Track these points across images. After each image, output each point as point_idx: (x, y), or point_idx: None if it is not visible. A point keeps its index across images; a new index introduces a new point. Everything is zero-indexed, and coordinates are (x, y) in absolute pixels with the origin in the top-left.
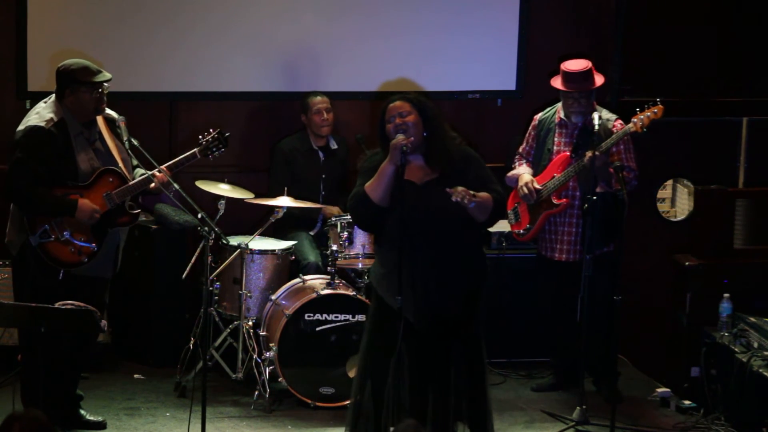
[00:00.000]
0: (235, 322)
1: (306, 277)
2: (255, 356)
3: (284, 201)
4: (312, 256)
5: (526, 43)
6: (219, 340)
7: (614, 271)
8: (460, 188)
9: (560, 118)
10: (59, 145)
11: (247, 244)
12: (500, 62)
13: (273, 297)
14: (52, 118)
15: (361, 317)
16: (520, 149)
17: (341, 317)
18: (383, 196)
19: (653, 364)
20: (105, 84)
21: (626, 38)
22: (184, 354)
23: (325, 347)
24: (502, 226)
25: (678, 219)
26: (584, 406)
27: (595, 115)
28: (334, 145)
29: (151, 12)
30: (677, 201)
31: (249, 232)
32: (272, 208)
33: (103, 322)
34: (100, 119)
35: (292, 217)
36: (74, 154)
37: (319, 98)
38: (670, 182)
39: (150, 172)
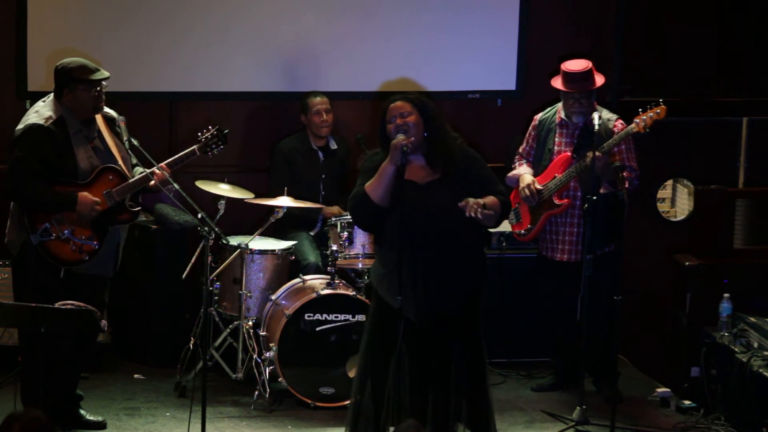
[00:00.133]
0: (235, 322)
1: (306, 277)
2: (255, 356)
3: (284, 201)
4: (312, 256)
5: (526, 43)
6: (219, 340)
7: (614, 271)
8: (471, 201)
9: (561, 118)
10: (59, 143)
11: (247, 244)
12: (500, 62)
13: (273, 297)
14: (51, 117)
15: (361, 317)
16: (521, 149)
17: (341, 317)
18: (383, 196)
19: (653, 364)
20: (103, 82)
21: (626, 38)
22: (184, 354)
23: (325, 347)
24: (503, 226)
25: (678, 219)
26: (584, 406)
27: (595, 115)
28: (333, 146)
29: (151, 12)
30: (677, 201)
31: (249, 232)
32: (272, 208)
33: (103, 322)
34: (99, 118)
35: (292, 217)
36: (74, 152)
37: (318, 99)
38: (670, 182)
39: (150, 170)
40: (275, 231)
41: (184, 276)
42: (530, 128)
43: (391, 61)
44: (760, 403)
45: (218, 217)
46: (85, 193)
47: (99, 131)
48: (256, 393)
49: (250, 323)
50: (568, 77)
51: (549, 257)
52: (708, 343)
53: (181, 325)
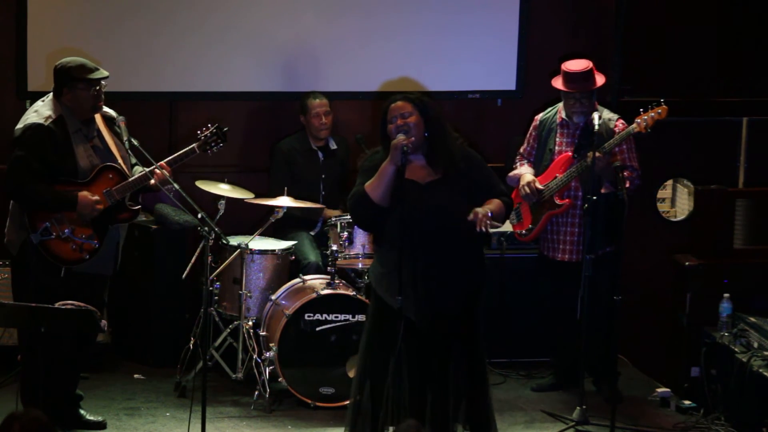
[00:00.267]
0: (235, 322)
1: (306, 277)
2: (255, 356)
3: (284, 201)
4: (312, 255)
5: (526, 43)
6: (219, 340)
7: (614, 271)
8: (480, 214)
9: (562, 118)
10: (58, 142)
11: (247, 244)
12: (500, 62)
13: (273, 297)
14: (50, 116)
15: (361, 317)
16: (521, 149)
17: (341, 317)
18: (383, 195)
19: (653, 364)
20: (102, 82)
21: (626, 38)
22: (184, 354)
23: (325, 347)
24: (503, 226)
25: (678, 219)
26: (584, 406)
27: (596, 115)
28: (333, 146)
29: (151, 12)
30: (677, 201)
31: (249, 232)
32: (272, 208)
33: (103, 322)
34: (98, 117)
35: (292, 217)
36: (73, 151)
37: (317, 101)
38: (670, 182)
39: (149, 169)
40: (275, 231)
41: (184, 276)
42: (531, 128)
43: (391, 61)
44: (760, 403)
45: (218, 217)
46: (86, 193)
47: (98, 130)
48: (256, 393)
49: (250, 323)
50: (569, 77)
51: (550, 257)
52: (708, 343)
53: (181, 325)
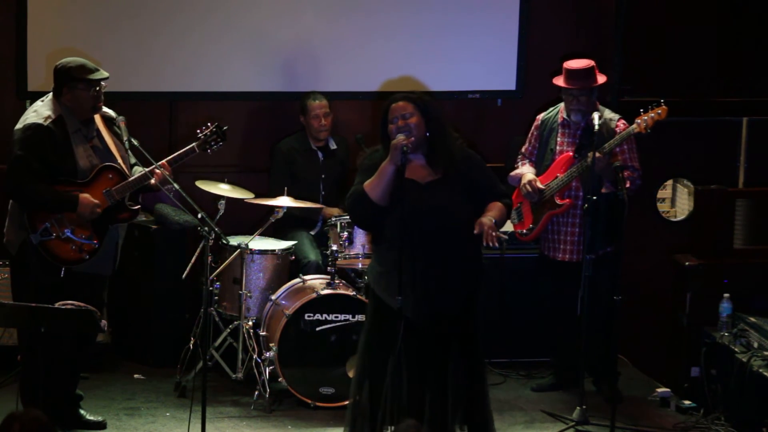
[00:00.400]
0: (235, 322)
1: (306, 277)
2: (255, 356)
3: (284, 201)
4: (312, 254)
5: (526, 43)
6: (219, 340)
7: (614, 271)
8: (485, 226)
9: (563, 118)
10: (58, 142)
11: (247, 244)
12: (500, 62)
13: (273, 297)
14: (50, 116)
15: (361, 317)
16: (523, 149)
17: (341, 317)
18: (382, 195)
19: (653, 364)
20: (102, 82)
21: (626, 38)
22: (184, 354)
23: (325, 347)
24: (503, 226)
25: (678, 219)
26: (584, 406)
27: (596, 115)
28: (333, 146)
29: (151, 12)
30: (677, 201)
31: (249, 232)
32: (272, 208)
33: (103, 322)
34: (97, 117)
35: (292, 217)
36: (73, 152)
37: (317, 103)
38: (670, 182)
39: (149, 168)
40: (275, 231)
41: (184, 276)
42: (533, 128)
43: (391, 61)
44: (760, 403)
45: (218, 217)
46: (86, 195)
47: (98, 130)
48: (256, 393)
49: (250, 323)
50: (569, 74)
51: (551, 257)
52: (708, 343)
53: (181, 325)
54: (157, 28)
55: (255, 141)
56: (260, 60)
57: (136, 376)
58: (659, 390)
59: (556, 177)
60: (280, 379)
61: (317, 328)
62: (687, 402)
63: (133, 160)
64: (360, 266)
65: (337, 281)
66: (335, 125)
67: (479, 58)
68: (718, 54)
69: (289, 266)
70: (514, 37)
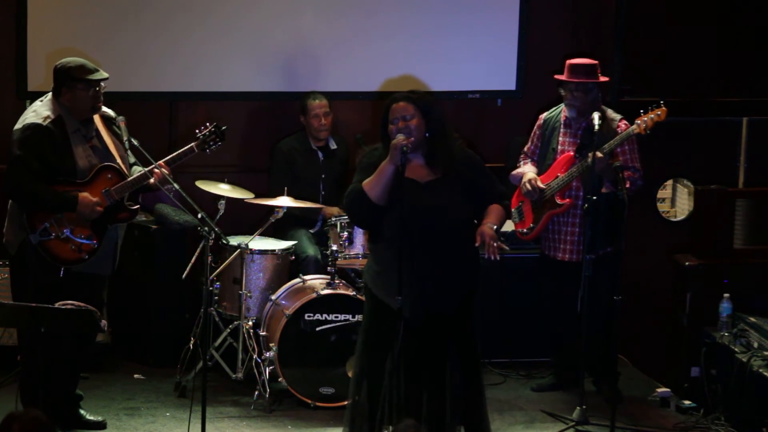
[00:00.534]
0: (235, 322)
1: (306, 277)
2: (255, 356)
3: (284, 201)
4: (311, 250)
5: (526, 43)
6: (219, 340)
7: (614, 271)
8: (487, 238)
9: (566, 117)
10: (57, 142)
11: (247, 244)
12: (500, 62)
13: (273, 297)
14: (49, 116)
15: (361, 317)
16: (525, 148)
17: (341, 317)
18: (381, 195)
19: (653, 364)
20: (102, 83)
21: (626, 38)
22: (184, 354)
23: (325, 347)
24: (504, 226)
25: (678, 219)
26: (584, 406)
27: (596, 115)
28: (333, 146)
29: (151, 12)
30: (677, 201)
31: (249, 232)
32: (272, 208)
33: (103, 322)
34: (96, 117)
35: (292, 217)
36: (72, 151)
37: (317, 102)
38: (670, 182)
39: (148, 168)
40: (275, 231)
41: (184, 276)
42: (535, 127)
43: (391, 61)
44: (760, 403)
45: (218, 217)
46: (86, 194)
47: (97, 130)
48: (256, 393)
49: (250, 323)
50: (569, 68)
51: (551, 257)
52: (708, 343)
53: (181, 325)
54: (157, 28)
55: (255, 141)
56: (260, 60)
57: (136, 376)
58: (659, 390)
59: (557, 176)
60: (280, 379)
61: (317, 328)
62: (687, 402)
63: (132, 160)
64: (360, 266)
65: (337, 281)
66: (335, 125)
67: (479, 58)
68: (718, 54)
69: (289, 266)
70: (514, 37)
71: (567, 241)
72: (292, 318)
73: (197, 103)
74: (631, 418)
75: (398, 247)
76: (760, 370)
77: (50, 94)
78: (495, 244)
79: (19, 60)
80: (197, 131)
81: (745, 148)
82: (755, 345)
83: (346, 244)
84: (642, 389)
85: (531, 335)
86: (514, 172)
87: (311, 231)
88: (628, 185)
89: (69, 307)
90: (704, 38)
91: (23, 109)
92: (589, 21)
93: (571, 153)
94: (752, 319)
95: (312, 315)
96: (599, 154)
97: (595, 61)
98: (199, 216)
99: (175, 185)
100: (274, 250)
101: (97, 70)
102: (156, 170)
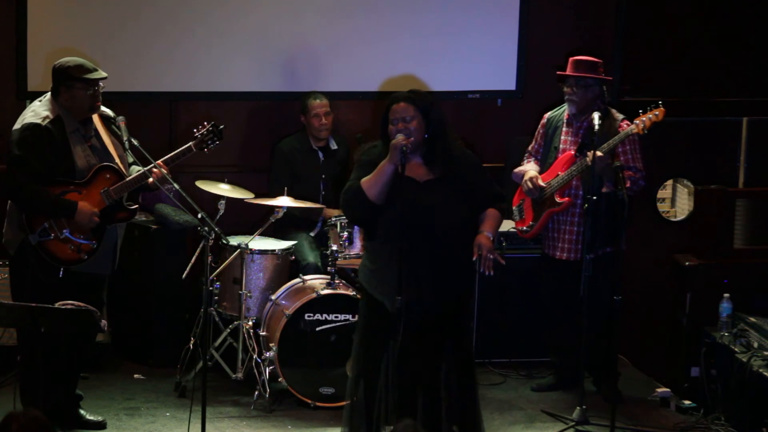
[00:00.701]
0: (235, 322)
1: (306, 277)
2: (255, 356)
3: (284, 201)
4: (311, 257)
5: (526, 43)
6: (219, 340)
7: (614, 271)
8: (484, 250)
9: (568, 116)
10: (56, 142)
11: (247, 244)
12: (500, 62)
13: (273, 297)
14: (48, 116)
15: None
16: (530, 147)
17: (341, 317)
18: (379, 194)
19: (653, 364)
20: (100, 83)
21: (626, 38)
22: (184, 354)
23: (325, 347)
24: (504, 226)
25: (678, 219)
26: (584, 406)
27: (596, 115)
28: (334, 146)
29: (151, 12)
30: (677, 201)
31: (249, 232)
32: (272, 208)
33: (103, 322)
34: (95, 116)
35: (292, 217)
36: (71, 151)
37: (317, 102)
38: (670, 182)
39: (146, 168)
40: (275, 231)
41: (184, 276)
42: (539, 126)
43: (391, 61)
44: (760, 403)
45: (218, 217)
46: (85, 203)
47: (96, 130)
48: (256, 393)
49: (250, 323)
50: (571, 63)
51: (551, 255)
52: (708, 343)
53: (181, 325)
54: (157, 28)
55: (255, 141)
56: (260, 60)
57: (136, 376)
58: (659, 390)
59: (557, 175)
60: (280, 379)
61: (317, 328)
62: (687, 402)
63: (131, 160)
64: None
65: (337, 281)
66: (335, 125)
67: (479, 58)
68: (718, 54)
69: (289, 266)
70: (514, 37)
71: (565, 239)
72: (292, 318)
73: (197, 103)
74: (631, 418)
75: (398, 248)
76: (760, 370)
77: (49, 94)
78: (491, 257)
79: (19, 60)
80: (195, 130)
81: (745, 148)
82: (755, 345)
83: (346, 244)
84: (642, 389)
85: (531, 335)
86: (517, 170)
87: (311, 233)
88: (628, 185)
89: (69, 307)
90: (704, 38)
91: (23, 109)
92: (589, 21)
93: (572, 152)
94: (752, 319)
95: (312, 315)
96: (599, 153)
97: (599, 60)
98: (199, 216)
99: (175, 185)
100: (274, 250)
101: (96, 70)
102: (155, 170)
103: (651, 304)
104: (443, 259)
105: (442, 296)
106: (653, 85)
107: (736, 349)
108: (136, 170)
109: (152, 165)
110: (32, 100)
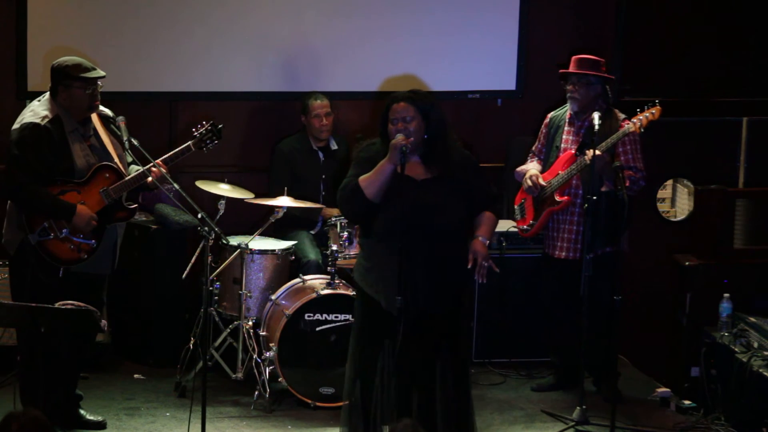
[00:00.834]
0: (235, 322)
1: (306, 277)
2: (255, 356)
3: (284, 201)
4: (312, 254)
5: (526, 43)
6: (219, 340)
7: (614, 271)
8: (480, 256)
9: (570, 116)
10: (55, 141)
11: (247, 244)
12: (500, 62)
13: (273, 297)
14: (47, 115)
15: None
16: (533, 147)
17: (341, 317)
18: (377, 193)
19: (653, 364)
20: (99, 82)
21: (626, 38)
22: (184, 354)
23: (325, 347)
24: (504, 225)
25: (678, 219)
26: (584, 406)
27: (595, 115)
28: (334, 146)
29: (151, 12)
30: (677, 201)
31: (249, 232)
32: (272, 208)
33: (103, 322)
34: (94, 116)
35: (292, 217)
36: (70, 151)
37: (318, 102)
38: (670, 182)
39: (146, 167)
40: (275, 231)
41: (184, 276)
42: (542, 125)
43: (391, 61)
44: (760, 403)
45: (218, 217)
46: (84, 207)
47: (95, 129)
48: (256, 393)
49: (250, 323)
50: (574, 61)
51: (551, 255)
52: (708, 343)
53: (181, 325)
54: (157, 28)
55: (255, 141)
56: (261, 60)
57: (136, 376)
58: (659, 390)
59: (558, 174)
60: (280, 379)
61: (317, 328)
62: (687, 402)
63: (130, 159)
64: None
65: (337, 281)
66: (336, 125)
67: (479, 58)
68: (718, 54)
69: (289, 266)
70: (514, 37)
71: (564, 238)
72: (292, 318)
73: (197, 103)
74: (631, 418)
75: (398, 248)
76: (760, 370)
77: (48, 93)
78: (486, 264)
79: (19, 60)
80: (194, 129)
81: (745, 148)
82: (755, 345)
83: (346, 244)
84: (642, 389)
85: (531, 335)
86: (519, 168)
87: (312, 232)
88: (627, 184)
89: (69, 307)
90: (704, 38)
91: (23, 109)
92: (589, 21)
93: (572, 151)
94: (752, 319)
95: (312, 315)
96: (598, 152)
97: (602, 59)
98: (199, 216)
99: (175, 185)
100: (274, 250)
101: (94, 69)
102: (153, 169)
103: (651, 304)
104: (440, 258)
105: (438, 295)
106: (653, 85)
107: (736, 349)
108: (135, 170)
109: (151, 164)
110: (32, 100)
